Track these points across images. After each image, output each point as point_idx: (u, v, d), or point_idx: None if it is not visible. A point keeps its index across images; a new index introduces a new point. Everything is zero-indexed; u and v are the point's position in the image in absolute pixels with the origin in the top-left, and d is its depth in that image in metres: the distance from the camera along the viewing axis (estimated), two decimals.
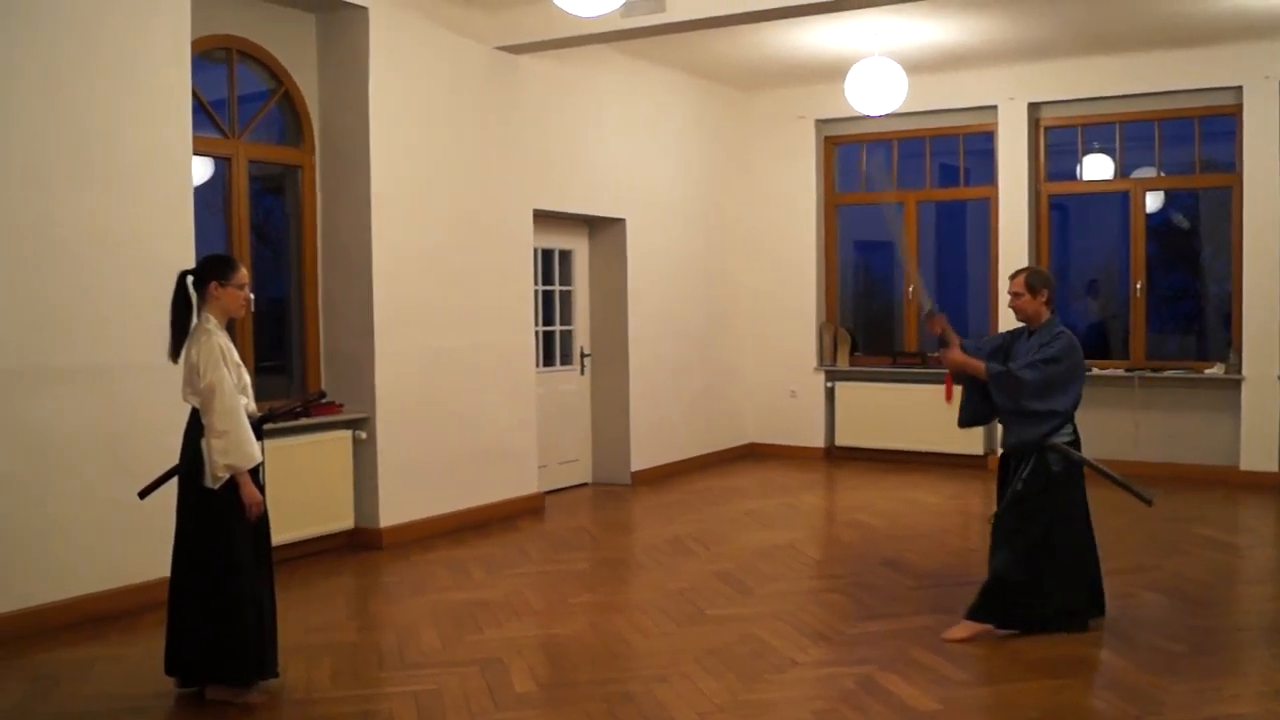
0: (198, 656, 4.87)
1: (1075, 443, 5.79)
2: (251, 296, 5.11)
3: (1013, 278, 5.97)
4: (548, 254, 10.19)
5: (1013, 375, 5.74)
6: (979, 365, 5.88)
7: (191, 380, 4.82)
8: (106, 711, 4.81)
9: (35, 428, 5.95)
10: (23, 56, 5.91)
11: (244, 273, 5.04)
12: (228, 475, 4.76)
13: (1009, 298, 5.95)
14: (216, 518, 4.83)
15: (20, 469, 5.89)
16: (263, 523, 4.99)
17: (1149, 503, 5.68)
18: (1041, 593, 5.71)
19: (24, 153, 5.91)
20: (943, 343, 6.07)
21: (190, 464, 4.86)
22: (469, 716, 4.73)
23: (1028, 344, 5.88)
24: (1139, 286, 10.76)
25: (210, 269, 4.99)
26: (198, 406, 4.83)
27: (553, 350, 10.34)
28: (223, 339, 4.87)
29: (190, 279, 4.97)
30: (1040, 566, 5.71)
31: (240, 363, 4.95)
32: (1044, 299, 5.86)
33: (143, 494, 5.26)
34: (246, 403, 4.90)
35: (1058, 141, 11.26)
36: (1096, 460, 5.81)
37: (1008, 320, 10.87)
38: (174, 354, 4.91)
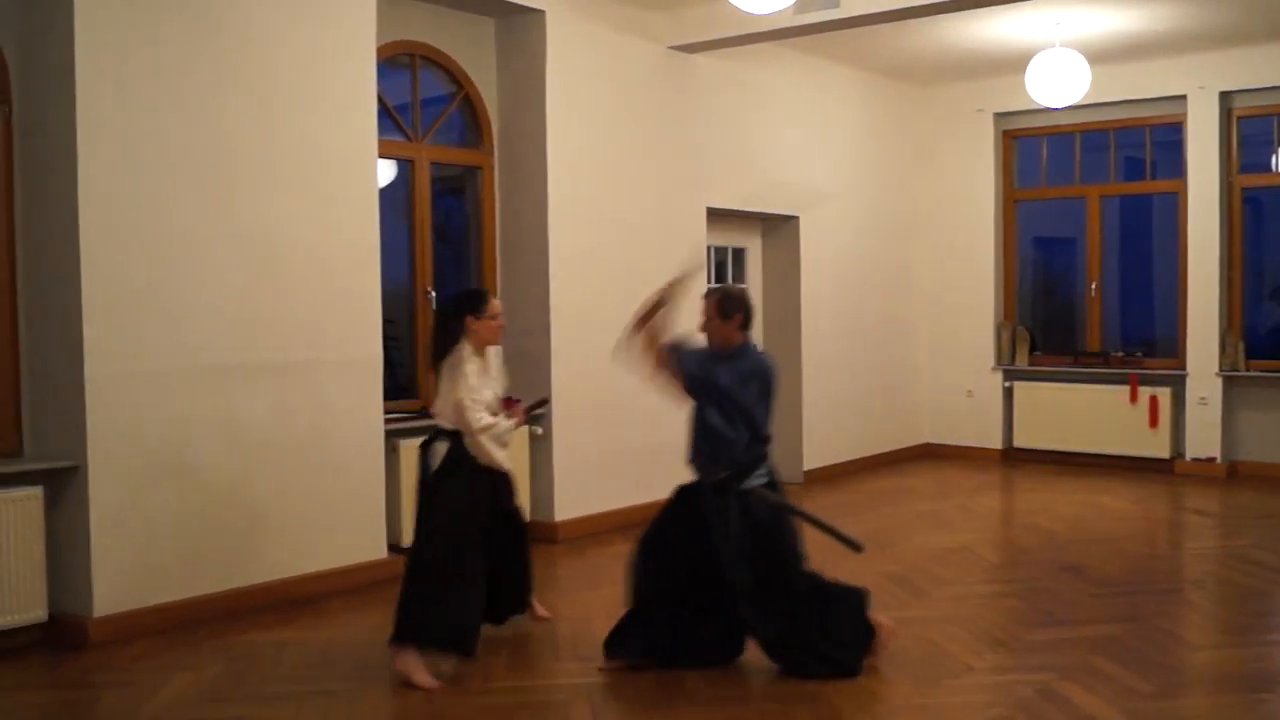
0: (429, 620, 5.10)
1: (772, 485, 5.45)
2: (504, 323, 5.48)
3: (704, 297, 5.34)
4: (721, 252, 10.22)
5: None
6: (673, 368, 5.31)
7: (443, 405, 5.24)
8: (296, 693, 5.01)
9: (237, 420, 6.25)
10: (231, 75, 6.22)
11: (496, 304, 5.37)
12: (496, 446, 5.20)
13: (699, 320, 5.33)
14: (453, 501, 5.18)
15: (224, 459, 6.19)
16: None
17: (859, 550, 5.32)
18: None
19: (232, 162, 6.23)
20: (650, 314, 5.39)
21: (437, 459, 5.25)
22: (640, 710, 4.79)
23: (724, 368, 5.29)
24: None
25: (465, 304, 5.33)
26: (446, 426, 5.22)
27: None
28: (471, 366, 5.18)
29: (445, 313, 5.35)
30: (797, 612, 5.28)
31: (494, 378, 5.34)
32: (736, 324, 5.29)
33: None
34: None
35: (1251, 132, 10.76)
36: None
37: (1196, 322, 10.60)
38: (433, 364, 5.34)
